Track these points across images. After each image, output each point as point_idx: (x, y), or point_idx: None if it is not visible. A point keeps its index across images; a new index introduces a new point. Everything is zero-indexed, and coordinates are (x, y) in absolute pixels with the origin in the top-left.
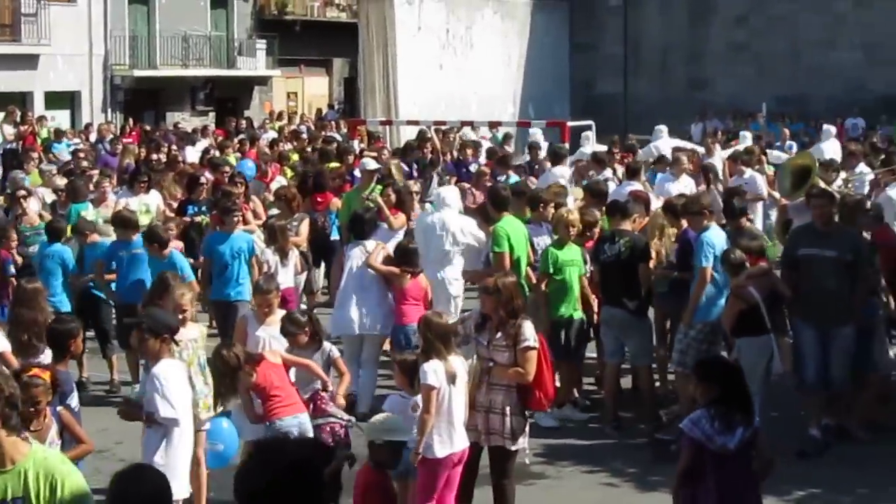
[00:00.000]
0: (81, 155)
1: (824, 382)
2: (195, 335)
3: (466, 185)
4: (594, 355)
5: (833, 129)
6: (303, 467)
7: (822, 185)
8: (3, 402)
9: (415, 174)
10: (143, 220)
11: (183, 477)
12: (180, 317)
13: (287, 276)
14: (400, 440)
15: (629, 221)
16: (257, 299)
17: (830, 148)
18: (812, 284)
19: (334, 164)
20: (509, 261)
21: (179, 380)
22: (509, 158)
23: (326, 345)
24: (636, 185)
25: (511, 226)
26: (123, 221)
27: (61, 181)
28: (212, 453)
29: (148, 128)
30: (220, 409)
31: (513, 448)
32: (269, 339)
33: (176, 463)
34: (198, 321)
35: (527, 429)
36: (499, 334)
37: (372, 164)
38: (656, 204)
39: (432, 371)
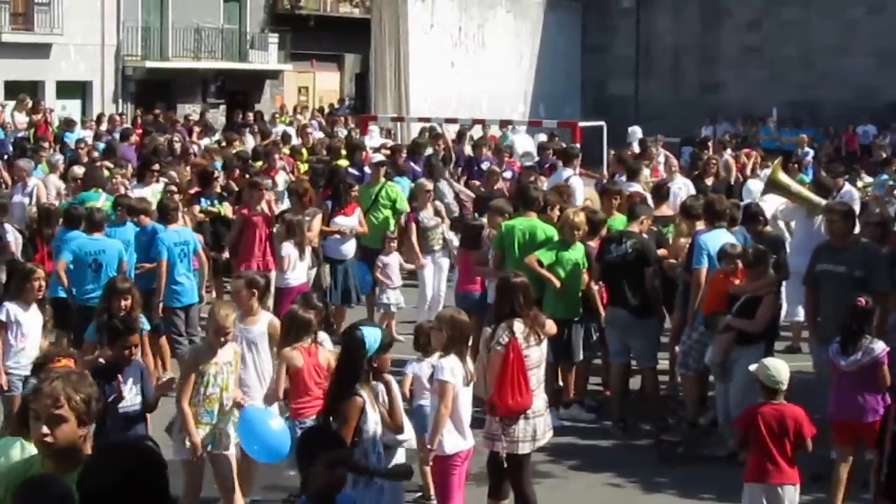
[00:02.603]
0: (82, 146)
1: None
2: (230, 358)
3: (477, 183)
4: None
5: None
6: (153, 468)
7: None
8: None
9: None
10: None
11: None
12: (222, 339)
13: (302, 272)
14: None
15: (637, 223)
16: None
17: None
18: (825, 302)
19: (342, 161)
20: (505, 260)
21: None
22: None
23: None
24: (636, 187)
25: (521, 225)
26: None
27: (79, 170)
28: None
29: (157, 111)
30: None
31: (490, 449)
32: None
33: None
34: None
35: (521, 434)
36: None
37: (378, 158)
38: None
39: (450, 368)
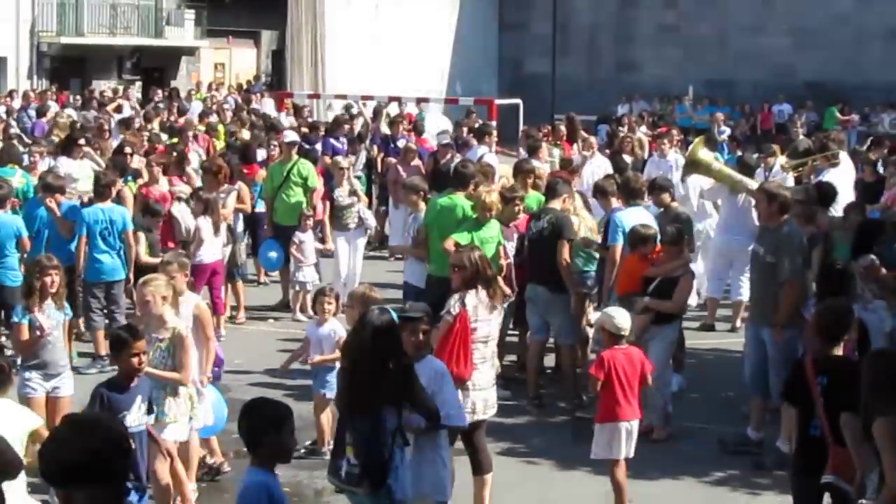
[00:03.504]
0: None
1: (756, 386)
2: (162, 335)
3: (393, 160)
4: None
5: None
6: (122, 441)
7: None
8: None
9: (344, 149)
10: (87, 186)
11: None
12: (141, 311)
13: (217, 249)
14: None
15: (559, 200)
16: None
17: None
18: (753, 283)
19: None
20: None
21: None
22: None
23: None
24: (537, 163)
25: (446, 203)
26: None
27: None
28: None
29: (79, 97)
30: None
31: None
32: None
33: None
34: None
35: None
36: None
37: (291, 137)
38: None
39: None
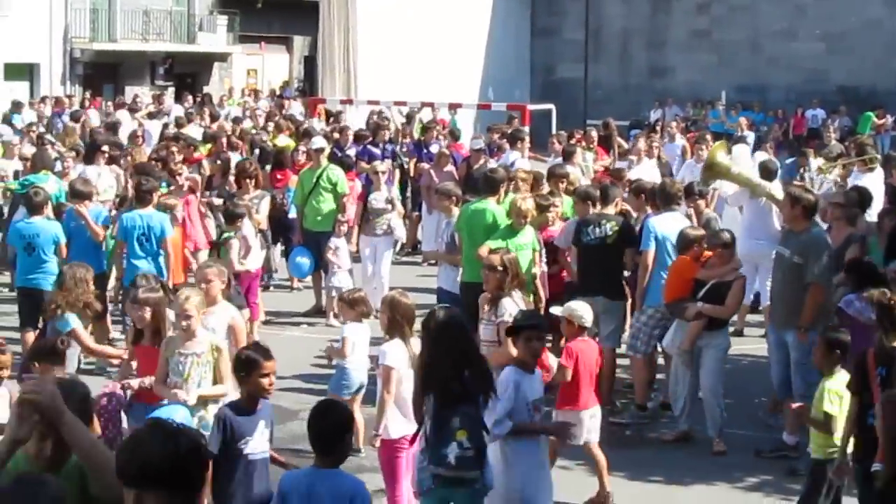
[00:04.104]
0: (34, 129)
1: (785, 390)
2: (198, 349)
3: (426, 166)
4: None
5: None
6: (202, 451)
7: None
8: None
9: (381, 155)
10: (110, 195)
11: None
12: (184, 324)
13: (260, 255)
14: None
15: (613, 205)
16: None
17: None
18: (773, 284)
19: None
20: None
21: None
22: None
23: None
24: (571, 168)
25: (477, 208)
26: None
27: (29, 152)
28: None
29: (110, 102)
30: None
31: None
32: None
33: None
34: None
35: None
36: (486, 309)
37: (318, 143)
38: None
39: (392, 352)
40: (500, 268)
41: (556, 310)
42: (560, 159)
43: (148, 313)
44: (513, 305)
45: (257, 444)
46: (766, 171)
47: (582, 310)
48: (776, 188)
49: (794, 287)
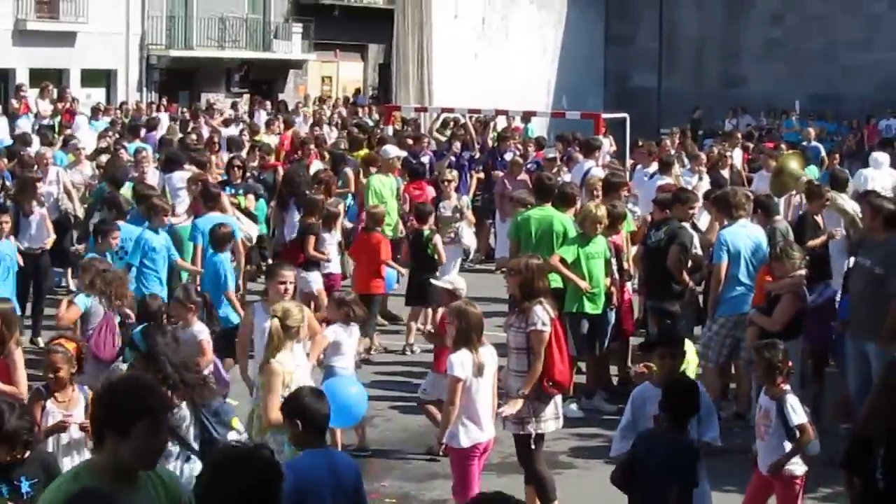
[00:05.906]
0: (110, 134)
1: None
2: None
3: (500, 174)
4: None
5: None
6: (279, 468)
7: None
8: None
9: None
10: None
11: None
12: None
13: (338, 261)
14: None
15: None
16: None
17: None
18: (852, 297)
19: (362, 152)
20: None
21: None
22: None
23: None
24: (667, 179)
25: (537, 216)
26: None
27: (105, 158)
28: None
29: (185, 109)
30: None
31: (521, 433)
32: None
33: None
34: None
35: (549, 414)
36: (514, 316)
37: (392, 152)
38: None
39: (459, 362)
40: (522, 270)
41: (437, 282)
42: (647, 168)
43: None
44: (544, 314)
45: None
46: (836, 181)
47: (456, 281)
48: (845, 198)
49: (876, 298)
